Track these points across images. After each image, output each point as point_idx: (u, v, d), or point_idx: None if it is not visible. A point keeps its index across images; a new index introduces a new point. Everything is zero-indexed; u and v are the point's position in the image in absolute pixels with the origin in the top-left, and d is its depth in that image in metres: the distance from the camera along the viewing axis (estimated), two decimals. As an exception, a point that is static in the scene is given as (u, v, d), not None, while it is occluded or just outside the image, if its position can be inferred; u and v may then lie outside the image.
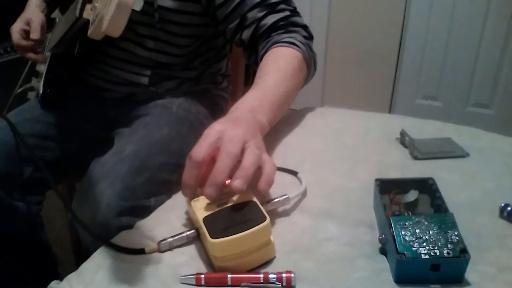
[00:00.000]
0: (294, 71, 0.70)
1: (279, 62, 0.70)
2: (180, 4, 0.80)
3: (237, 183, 0.47)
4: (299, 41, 0.74)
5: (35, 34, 0.86)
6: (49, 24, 0.92)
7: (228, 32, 0.80)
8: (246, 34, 0.77)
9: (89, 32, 0.49)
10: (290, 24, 0.76)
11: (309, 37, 0.78)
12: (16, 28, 0.87)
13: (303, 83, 0.76)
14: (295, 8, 0.79)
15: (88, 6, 0.50)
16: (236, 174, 0.48)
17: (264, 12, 0.76)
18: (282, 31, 0.75)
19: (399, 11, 2.05)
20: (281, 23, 0.76)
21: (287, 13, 0.77)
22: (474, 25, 1.93)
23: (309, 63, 0.76)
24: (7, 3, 1.28)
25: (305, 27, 0.79)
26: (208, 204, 0.50)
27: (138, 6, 0.46)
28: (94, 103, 0.93)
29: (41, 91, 0.90)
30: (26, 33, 0.87)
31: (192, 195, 0.51)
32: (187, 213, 0.57)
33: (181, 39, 0.85)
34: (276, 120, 0.67)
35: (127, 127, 0.84)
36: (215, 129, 0.52)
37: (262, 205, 0.50)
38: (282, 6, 0.77)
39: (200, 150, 0.50)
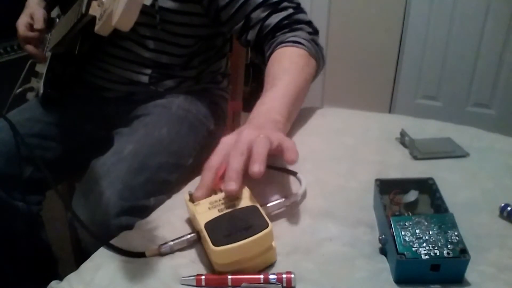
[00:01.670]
0: (301, 68, 0.70)
1: (284, 64, 0.70)
2: (180, 5, 0.80)
3: (254, 167, 0.48)
4: (303, 38, 0.74)
5: (38, 24, 0.87)
6: (49, 24, 0.92)
7: (234, 33, 0.80)
8: (251, 35, 0.78)
9: (96, 27, 0.49)
10: (294, 22, 0.76)
11: (314, 32, 0.78)
12: (22, 22, 0.88)
13: (313, 76, 0.75)
14: (298, 4, 0.78)
15: (94, 3, 0.50)
16: (250, 161, 0.49)
17: (268, 12, 0.75)
18: (287, 30, 0.75)
19: (399, 11, 2.05)
20: (285, 22, 0.75)
21: (291, 11, 0.76)
22: (474, 25, 1.93)
23: (317, 57, 0.75)
24: (6, 4, 1.28)
25: (309, 23, 0.78)
26: (209, 208, 0.50)
27: (148, 1, 0.46)
28: (94, 103, 0.93)
29: (41, 91, 0.90)
30: (30, 27, 0.88)
31: (207, 196, 0.51)
32: (187, 214, 0.57)
33: (182, 39, 0.85)
34: (294, 115, 0.68)
35: (127, 127, 0.84)
36: (229, 136, 0.53)
37: (262, 207, 0.50)
38: (285, 4, 0.76)
39: (214, 159, 0.52)
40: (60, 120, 0.90)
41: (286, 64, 0.70)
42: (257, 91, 2.32)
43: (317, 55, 0.76)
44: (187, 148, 0.82)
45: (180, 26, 0.83)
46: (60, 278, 0.50)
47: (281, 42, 0.74)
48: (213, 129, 0.93)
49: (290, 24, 0.76)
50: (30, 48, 0.87)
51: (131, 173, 0.69)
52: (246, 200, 0.51)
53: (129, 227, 0.59)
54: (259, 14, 0.76)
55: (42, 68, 0.95)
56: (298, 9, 0.78)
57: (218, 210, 0.50)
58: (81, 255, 0.63)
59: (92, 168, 0.71)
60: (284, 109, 0.63)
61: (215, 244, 0.45)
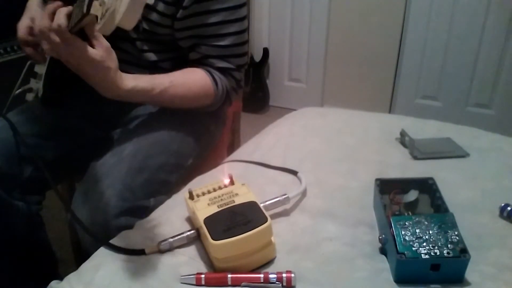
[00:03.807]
0: (192, 95, 0.77)
1: (186, 79, 0.76)
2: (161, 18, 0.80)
3: None
4: (223, 83, 0.78)
5: (38, 29, 0.87)
6: None
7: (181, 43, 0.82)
8: (192, 56, 0.80)
9: (98, 26, 0.49)
10: (229, 71, 0.80)
11: (237, 86, 0.83)
12: (23, 25, 0.88)
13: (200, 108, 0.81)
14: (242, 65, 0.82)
15: (96, 2, 0.50)
16: None
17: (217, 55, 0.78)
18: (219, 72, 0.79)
19: (399, 11, 2.05)
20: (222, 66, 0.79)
21: (233, 66, 0.80)
22: (474, 25, 1.93)
23: (217, 101, 0.81)
24: (6, 4, 1.28)
25: (238, 81, 0.83)
26: (208, 204, 0.50)
27: (151, 0, 0.47)
28: (94, 103, 0.93)
29: (41, 92, 0.90)
30: (31, 30, 0.88)
31: None
32: (187, 212, 0.57)
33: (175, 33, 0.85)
34: (140, 98, 0.73)
35: (126, 128, 0.84)
36: None
37: (262, 205, 0.50)
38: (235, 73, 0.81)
39: None
40: (60, 120, 0.90)
41: (188, 81, 0.76)
42: (257, 91, 2.31)
43: (220, 100, 0.81)
44: (187, 148, 0.82)
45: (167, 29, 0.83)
46: (60, 278, 0.50)
47: (210, 66, 0.78)
48: (213, 129, 0.93)
49: (225, 70, 0.79)
50: (29, 50, 0.87)
51: (131, 173, 0.69)
52: (245, 196, 0.51)
53: (129, 227, 0.59)
54: (211, 52, 0.78)
55: (41, 69, 0.94)
56: (240, 68, 0.82)
57: (218, 206, 0.50)
58: (81, 255, 0.63)
59: (92, 168, 0.71)
60: (140, 87, 0.68)
61: (214, 238, 0.45)
